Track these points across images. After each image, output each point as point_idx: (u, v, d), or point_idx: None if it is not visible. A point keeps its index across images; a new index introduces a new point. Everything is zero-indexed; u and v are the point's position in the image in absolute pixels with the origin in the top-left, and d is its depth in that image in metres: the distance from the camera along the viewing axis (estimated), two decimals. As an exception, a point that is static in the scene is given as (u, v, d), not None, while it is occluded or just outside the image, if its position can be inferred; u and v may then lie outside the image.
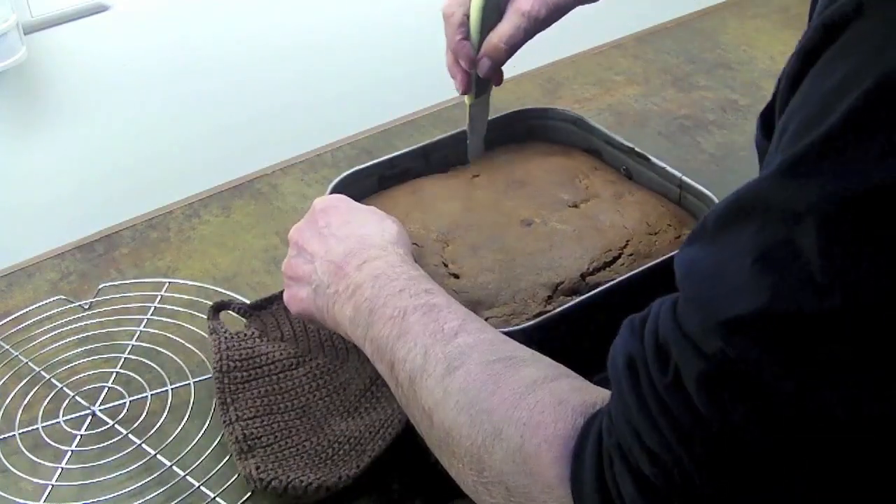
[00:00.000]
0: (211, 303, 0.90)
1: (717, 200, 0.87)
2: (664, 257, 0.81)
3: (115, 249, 1.05)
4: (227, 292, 0.97)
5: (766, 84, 1.28)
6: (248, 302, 0.91)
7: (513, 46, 0.88)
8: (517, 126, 1.03)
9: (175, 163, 1.25)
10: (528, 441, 0.55)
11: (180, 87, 1.24)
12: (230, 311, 0.90)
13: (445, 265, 0.84)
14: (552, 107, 1.04)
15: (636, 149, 0.96)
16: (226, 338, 0.86)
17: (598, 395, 0.56)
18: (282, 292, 0.84)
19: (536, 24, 0.87)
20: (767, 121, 0.56)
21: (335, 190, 0.89)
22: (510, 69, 1.34)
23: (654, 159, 0.94)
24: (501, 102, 1.26)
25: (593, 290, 0.80)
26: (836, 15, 0.44)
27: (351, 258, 0.73)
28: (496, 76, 0.93)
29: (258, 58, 1.28)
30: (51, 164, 1.17)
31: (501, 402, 0.58)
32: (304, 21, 1.31)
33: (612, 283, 0.80)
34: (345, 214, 0.78)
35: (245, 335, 0.87)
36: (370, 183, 0.94)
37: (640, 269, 0.81)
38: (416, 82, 1.35)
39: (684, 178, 0.91)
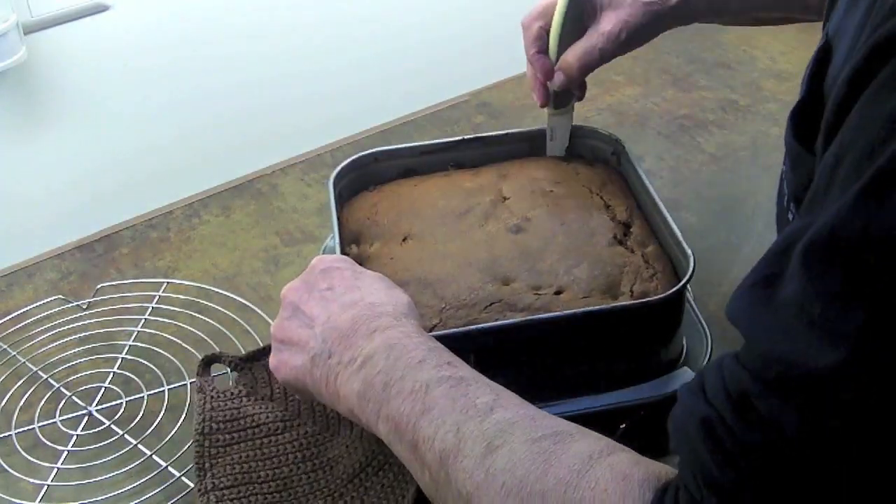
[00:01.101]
0: (210, 303, 0.90)
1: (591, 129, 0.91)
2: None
3: (114, 249, 1.05)
4: (226, 293, 0.97)
5: (766, 84, 1.28)
6: (240, 353, 0.85)
7: (586, 65, 0.87)
8: (336, 192, 0.94)
9: (175, 163, 1.25)
10: None
11: (180, 87, 1.24)
12: (221, 364, 0.84)
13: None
14: (348, 161, 0.95)
15: (466, 137, 0.96)
16: (212, 397, 0.80)
17: (661, 468, 0.53)
18: (266, 349, 0.80)
19: (615, 46, 0.86)
20: (799, 121, 0.55)
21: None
22: (510, 69, 1.34)
23: (489, 134, 0.97)
24: (500, 103, 1.27)
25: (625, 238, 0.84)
26: (885, 37, 0.43)
27: (360, 326, 0.67)
28: (578, 90, 0.92)
29: (258, 58, 1.28)
30: (51, 163, 1.18)
31: (557, 483, 0.53)
32: (304, 21, 1.31)
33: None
34: (350, 279, 0.71)
35: (232, 394, 0.81)
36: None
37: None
38: (416, 82, 1.35)
39: (532, 129, 0.95)
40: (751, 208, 1.06)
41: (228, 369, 0.84)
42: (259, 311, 0.94)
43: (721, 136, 1.19)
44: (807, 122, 0.54)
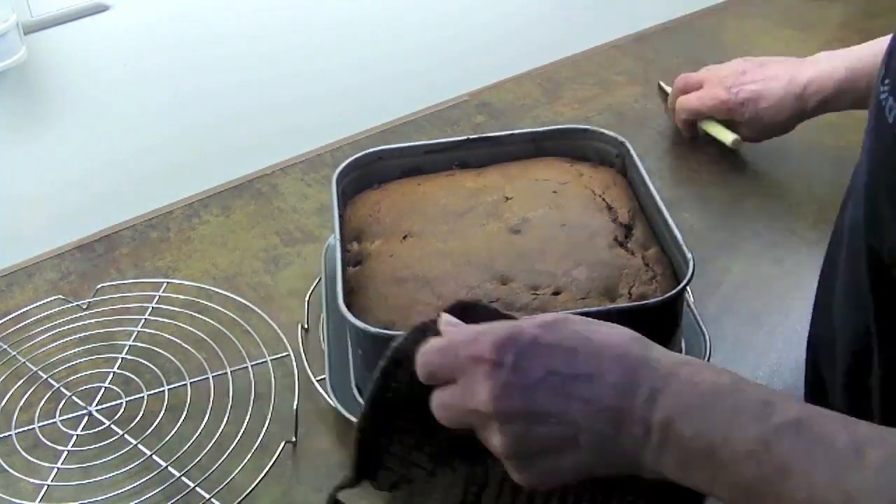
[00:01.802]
0: (210, 303, 0.90)
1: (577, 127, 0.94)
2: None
3: (115, 249, 1.05)
4: (226, 293, 0.97)
5: (766, 84, 1.28)
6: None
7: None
8: (338, 188, 0.94)
9: (175, 163, 1.25)
10: None
11: (180, 86, 1.24)
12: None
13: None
14: (353, 158, 0.96)
15: (471, 137, 0.97)
16: None
17: None
18: (365, 424, 0.65)
19: None
20: None
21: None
22: (510, 69, 1.34)
23: (494, 134, 0.98)
24: (500, 103, 1.27)
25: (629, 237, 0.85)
26: None
27: (631, 392, 0.56)
28: None
29: (258, 58, 1.28)
30: (51, 163, 1.17)
31: None
32: (305, 21, 1.31)
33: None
34: (554, 344, 0.58)
35: (401, 497, 0.66)
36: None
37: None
38: (416, 82, 1.35)
39: (536, 129, 0.97)
40: (751, 208, 1.06)
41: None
42: (259, 311, 0.94)
43: (721, 136, 1.19)
44: None
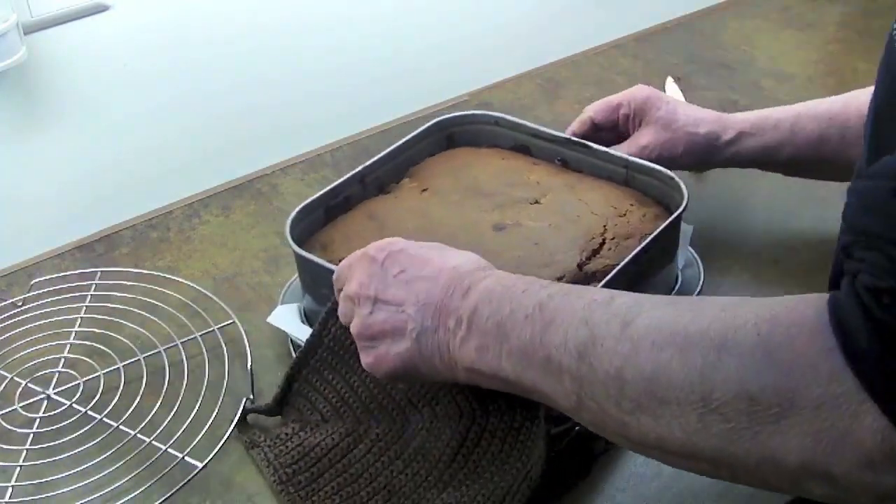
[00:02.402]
0: (211, 303, 0.90)
1: (667, 172, 0.92)
2: (653, 234, 0.84)
3: (115, 249, 1.05)
4: (226, 293, 0.97)
5: (766, 84, 1.28)
6: (270, 399, 0.84)
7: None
8: (437, 135, 1.03)
9: (175, 163, 1.25)
10: (768, 334, 0.50)
11: (180, 87, 1.23)
12: (259, 415, 0.84)
13: None
14: (471, 112, 1.04)
15: (573, 138, 0.98)
16: (268, 446, 0.79)
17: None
18: (296, 369, 0.82)
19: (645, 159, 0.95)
20: None
21: (293, 229, 0.87)
22: (510, 69, 1.34)
23: (594, 146, 0.97)
24: (500, 103, 1.27)
25: (591, 278, 0.82)
26: None
27: (451, 291, 0.67)
28: None
29: (258, 58, 1.28)
30: (51, 164, 1.17)
31: (714, 320, 0.52)
32: (304, 21, 1.31)
33: (624, 262, 0.81)
34: (417, 256, 0.71)
35: (287, 434, 0.80)
36: (317, 216, 0.92)
37: (640, 248, 0.82)
38: (416, 82, 1.35)
39: (630, 157, 0.95)
40: (751, 208, 1.06)
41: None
42: (259, 311, 0.94)
43: (721, 136, 1.19)
44: None
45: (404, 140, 0.98)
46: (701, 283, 0.93)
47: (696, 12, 1.47)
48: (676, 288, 0.92)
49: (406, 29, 1.40)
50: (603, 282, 0.79)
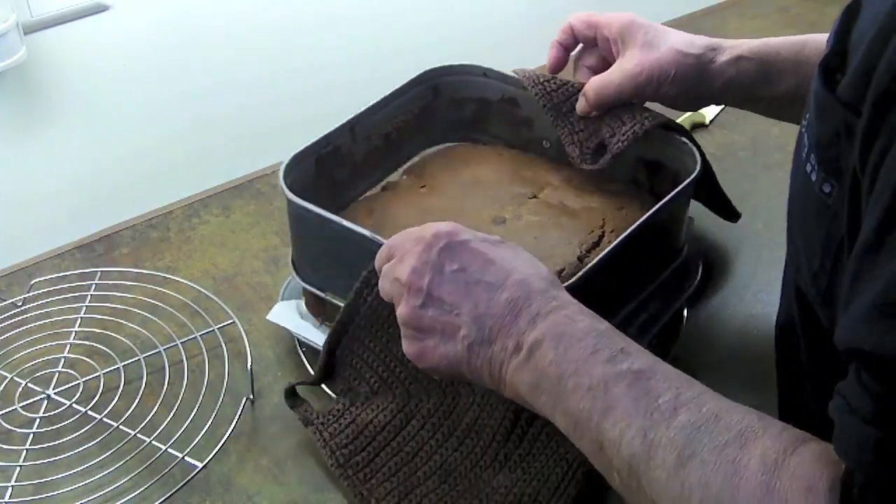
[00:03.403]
0: (210, 303, 0.90)
1: (679, 138, 0.89)
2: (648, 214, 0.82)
3: (115, 249, 1.05)
4: (227, 293, 0.97)
5: (766, 84, 1.28)
6: (311, 371, 0.84)
7: (602, 96, 0.89)
8: (425, 85, 1.01)
9: (175, 163, 1.25)
10: None
11: (180, 86, 1.24)
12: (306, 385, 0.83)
13: None
14: (459, 63, 1.02)
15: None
16: (322, 424, 0.78)
17: (840, 465, 0.52)
18: (335, 338, 0.80)
19: (634, 86, 0.87)
20: (827, 72, 0.56)
21: (286, 176, 0.86)
22: (509, 69, 1.34)
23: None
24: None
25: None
26: None
27: (517, 311, 0.64)
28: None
29: (258, 57, 1.28)
30: (51, 164, 1.17)
31: (749, 499, 0.53)
32: (304, 20, 1.31)
33: (617, 242, 0.79)
34: (480, 254, 0.66)
35: (338, 410, 0.79)
36: (308, 166, 0.92)
37: (638, 223, 0.80)
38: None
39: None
40: (751, 208, 1.06)
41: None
42: (259, 311, 0.94)
43: (721, 136, 1.19)
44: (834, 73, 0.56)
45: (392, 91, 0.97)
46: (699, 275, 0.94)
47: (696, 12, 1.46)
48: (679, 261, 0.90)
49: (406, 29, 1.40)
50: (613, 245, 0.77)
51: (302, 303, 0.91)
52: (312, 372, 0.85)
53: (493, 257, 0.66)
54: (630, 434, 0.57)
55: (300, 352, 0.90)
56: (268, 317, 0.90)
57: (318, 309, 0.88)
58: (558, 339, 0.61)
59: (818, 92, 0.57)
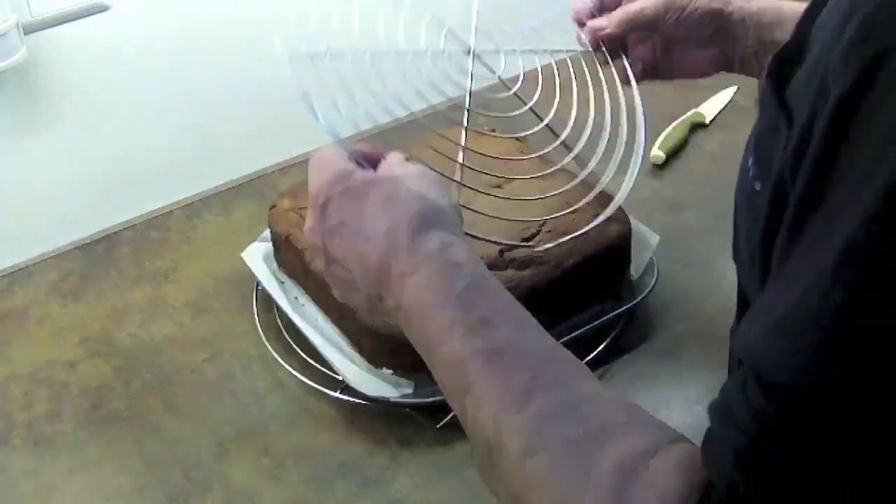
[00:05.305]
0: (210, 303, 0.90)
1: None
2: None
3: (115, 249, 1.05)
4: (226, 293, 0.97)
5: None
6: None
7: (624, 18, 0.91)
8: None
9: (175, 163, 1.25)
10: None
11: (180, 86, 1.23)
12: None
13: None
14: None
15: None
16: None
17: (702, 474, 0.49)
18: None
19: (656, 12, 0.88)
20: (778, 65, 0.54)
21: None
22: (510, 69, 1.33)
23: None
24: (499, 101, 1.26)
25: (509, 265, 0.84)
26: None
27: (387, 267, 0.61)
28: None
29: (259, 59, 1.28)
30: (51, 163, 1.17)
31: (597, 502, 0.50)
32: (305, 21, 1.31)
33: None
34: (352, 206, 0.63)
35: None
36: None
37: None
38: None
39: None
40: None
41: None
42: (259, 311, 0.94)
43: (721, 136, 1.19)
44: (784, 67, 0.54)
45: None
46: (649, 288, 0.92)
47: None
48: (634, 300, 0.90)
49: (405, 29, 1.40)
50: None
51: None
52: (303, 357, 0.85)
53: (364, 209, 0.63)
54: (483, 416, 0.55)
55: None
56: (241, 254, 0.95)
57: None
58: (420, 309, 0.59)
59: (764, 87, 0.55)
